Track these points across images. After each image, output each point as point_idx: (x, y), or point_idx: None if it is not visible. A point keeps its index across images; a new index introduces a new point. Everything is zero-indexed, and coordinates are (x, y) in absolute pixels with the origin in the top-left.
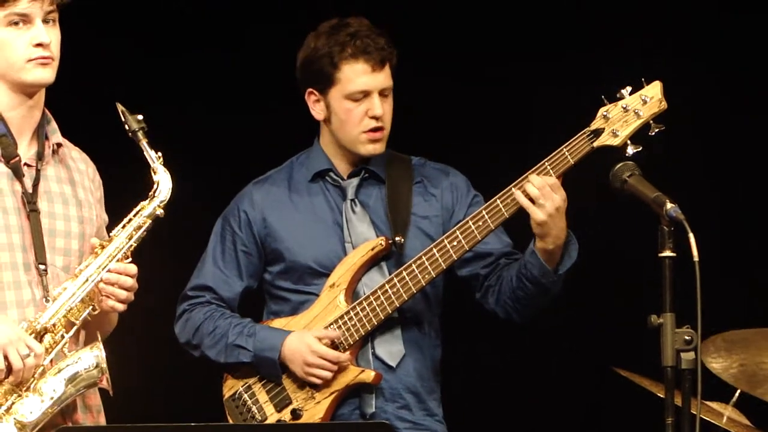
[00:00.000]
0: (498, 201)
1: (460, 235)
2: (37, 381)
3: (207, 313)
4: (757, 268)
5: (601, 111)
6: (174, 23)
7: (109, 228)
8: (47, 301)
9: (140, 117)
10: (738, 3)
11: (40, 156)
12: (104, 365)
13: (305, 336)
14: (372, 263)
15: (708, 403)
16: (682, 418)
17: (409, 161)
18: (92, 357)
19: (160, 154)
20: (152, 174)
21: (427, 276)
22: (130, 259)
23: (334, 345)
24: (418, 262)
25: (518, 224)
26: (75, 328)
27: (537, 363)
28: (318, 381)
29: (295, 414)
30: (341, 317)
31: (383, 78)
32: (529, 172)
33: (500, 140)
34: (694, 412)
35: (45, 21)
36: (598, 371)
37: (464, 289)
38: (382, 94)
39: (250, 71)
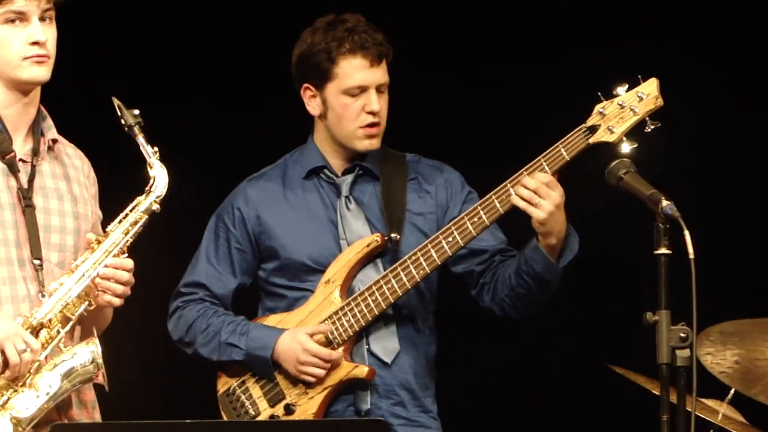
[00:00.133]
0: (493, 197)
1: (455, 231)
2: (32, 376)
3: (200, 311)
4: (753, 265)
5: (597, 107)
6: (177, 23)
7: (106, 223)
8: (43, 296)
9: (137, 112)
10: (740, 5)
11: (35, 152)
12: (100, 361)
13: (297, 334)
14: (367, 260)
15: (703, 400)
16: (678, 415)
17: (403, 158)
18: (88, 352)
19: (156, 149)
20: (148, 169)
21: (421, 272)
22: (126, 255)
23: (328, 341)
24: (413, 258)
25: (514, 221)
26: (71, 323)
27: (534, 360)
28: (311, 379)
29: (288, 409)
30: (336, 313)
31: (380, 74)
32: (525, 168)
33: (503, 142)
34: (690, 410)
35: (42, 19)
36: (595, 369)
37: (459, 286)
38: (378, 90)
39: (252, 72)
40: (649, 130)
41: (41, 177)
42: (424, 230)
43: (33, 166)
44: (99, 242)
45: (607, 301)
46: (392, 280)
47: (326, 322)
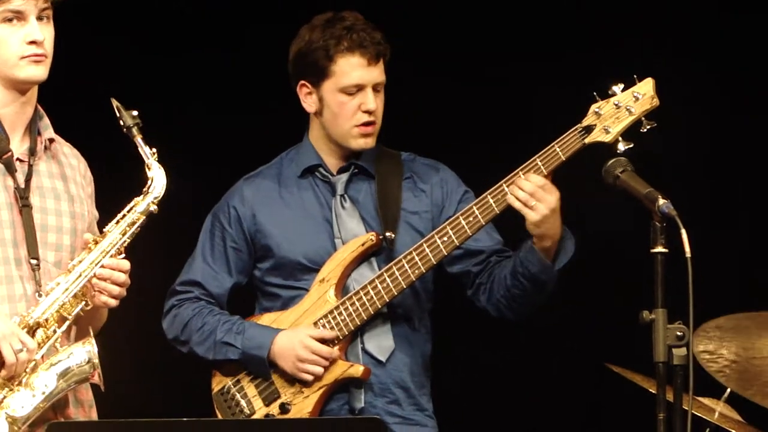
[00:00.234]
0: (489, 197)
1: (450, 230)
2: (29, 376)
3: (195, 310)
4: (750, 264)
5: (593, 107)
6: (174, 23)
7: (103, 224)
8: (40, 295)
9: (135, 113)
10: (738, 3)
11: (32, 151)
12: (96, 360)
13: (297, 333)
14: (362, 259)
15: (700, 398)
16: (674, 413)
17: (398, 156)
18: (84, 352)
19: (154, 150)
20: (146, 170)
21: (417, 271)
22: (123, 255)
23: (324, 341)
24: (408, 257)
25: (509, 222)
26: (67, 323)
27: (533, 360)
28: (309, 377)
29: (284, 408)
30: (330, 312)
31: (377, 73)
32: (520, 168)
33: (500, 140)
34: (686, 408)
35: (39, 18)
36: (593, 368)
37: (455, 286)
38: (375, 89)
39: (249, 71)
40: (645, 130)
41: (38, 176)
42: (419, 229)
43: (30, 166)
44: (96, 242)
45: (606, 301)
46: (387, 279)
47: (321, 321)
